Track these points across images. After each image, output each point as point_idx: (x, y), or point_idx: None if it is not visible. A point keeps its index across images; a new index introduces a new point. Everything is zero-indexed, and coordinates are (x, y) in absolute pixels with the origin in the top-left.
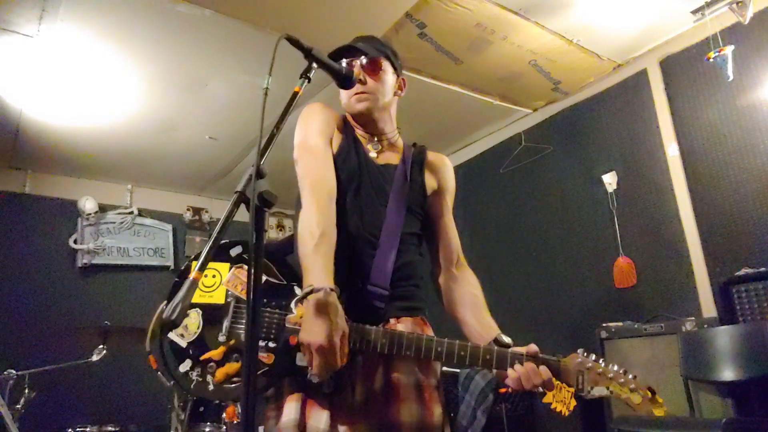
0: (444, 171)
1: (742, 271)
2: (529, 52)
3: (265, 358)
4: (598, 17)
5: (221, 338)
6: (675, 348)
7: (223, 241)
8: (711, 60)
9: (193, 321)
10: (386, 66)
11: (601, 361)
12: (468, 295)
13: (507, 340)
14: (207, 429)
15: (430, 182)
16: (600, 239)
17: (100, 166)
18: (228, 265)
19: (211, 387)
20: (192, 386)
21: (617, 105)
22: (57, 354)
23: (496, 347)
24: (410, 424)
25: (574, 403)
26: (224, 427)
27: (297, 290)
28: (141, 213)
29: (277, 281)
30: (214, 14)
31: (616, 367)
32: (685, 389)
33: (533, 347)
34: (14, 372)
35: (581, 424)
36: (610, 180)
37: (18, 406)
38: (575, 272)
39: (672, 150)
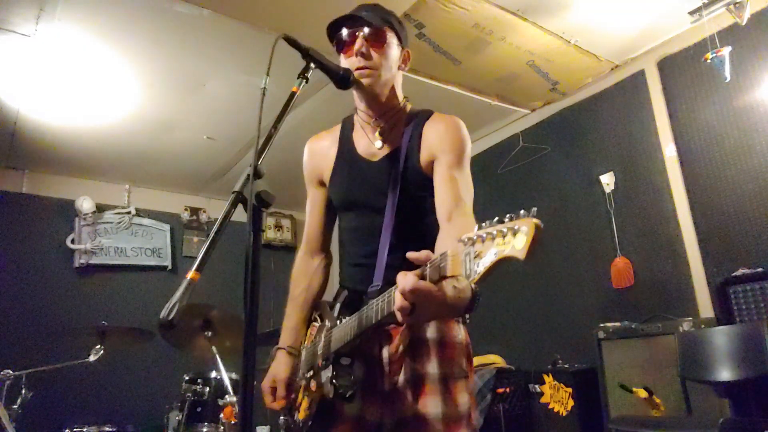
0: (437, 133)
1: (740, 272)
2: (527, 53)
3: (314, 386)
4: (595, 18)
5: (300, 381)
6: (672, 348)
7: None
8: (708, 61)
9: None
10: (391, 38)
11: (481, 225)
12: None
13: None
14: (205, 429)
15: (425, 151)
16: (598, 239)
17: (98, 165)
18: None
19: (301, 424)
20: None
21: (615, 106)
22: (54, 354)
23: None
24: (435, 416)
25: (571, 403)
26: (222, 428)
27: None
28: (138, 213)
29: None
30: (212, 14)
31: (495, 220)
32: (683, 389)
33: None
34: (11, 372)
35: (578, 424)
36: (607, 180)
37: (15, 407)
38: (573, 272)
39: (669, 150)
